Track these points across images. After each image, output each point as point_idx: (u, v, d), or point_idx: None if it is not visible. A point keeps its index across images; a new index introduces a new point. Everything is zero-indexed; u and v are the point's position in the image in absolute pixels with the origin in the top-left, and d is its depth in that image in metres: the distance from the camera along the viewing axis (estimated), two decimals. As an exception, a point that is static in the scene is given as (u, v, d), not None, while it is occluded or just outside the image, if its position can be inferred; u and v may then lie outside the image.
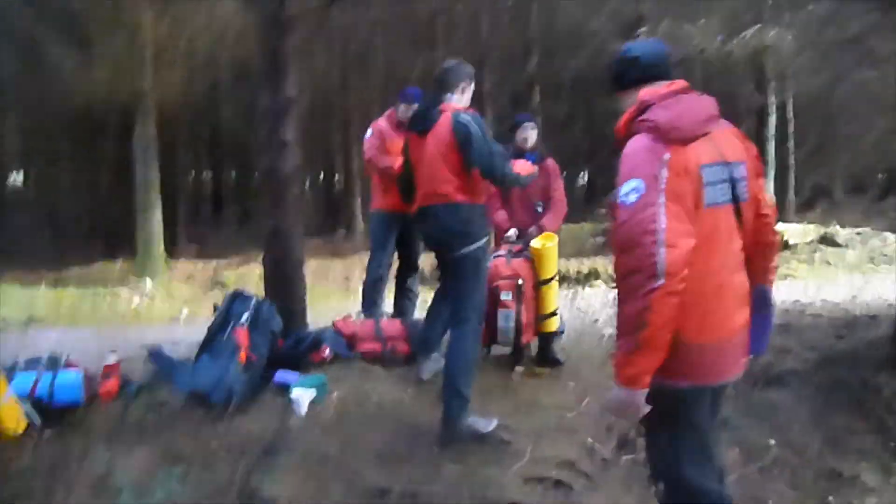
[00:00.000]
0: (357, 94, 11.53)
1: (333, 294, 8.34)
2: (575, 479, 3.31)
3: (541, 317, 4.51)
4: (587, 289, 8.40)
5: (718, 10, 8.75)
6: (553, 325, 4.59)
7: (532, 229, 4.69)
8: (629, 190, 1.98)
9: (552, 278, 4.49)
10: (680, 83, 2.21)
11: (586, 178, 22.91)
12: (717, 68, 9.70)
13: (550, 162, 4.89)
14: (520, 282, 4.34)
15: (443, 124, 3.63)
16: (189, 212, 14.16)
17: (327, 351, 4.42)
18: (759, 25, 8.50)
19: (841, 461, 3.78)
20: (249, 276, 9.15)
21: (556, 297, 4.57)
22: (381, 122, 5.27)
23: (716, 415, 2.34)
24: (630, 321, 1.94)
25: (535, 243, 4.47)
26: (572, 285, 8.88)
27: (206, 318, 7.26)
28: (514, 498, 3.10)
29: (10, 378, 3.78)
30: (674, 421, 2.14)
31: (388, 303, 5.67)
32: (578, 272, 9.28)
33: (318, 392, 3.85)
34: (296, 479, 3.13)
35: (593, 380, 4.50)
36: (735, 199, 2.13)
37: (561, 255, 10.54)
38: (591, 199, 20.02)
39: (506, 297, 4.29)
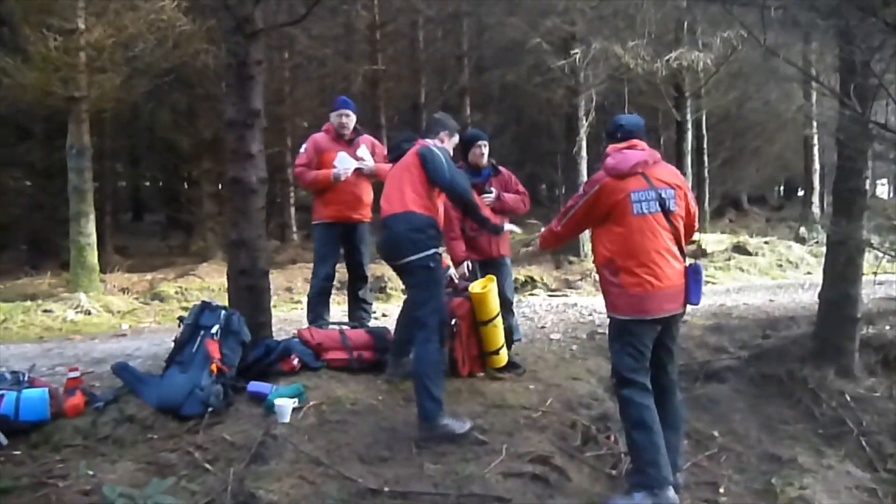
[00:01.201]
0: (294, 104, 11.52)
1: (278, 304, 8.31)
2: (549, 473, 3.54)
3: (486, 353, 4.70)
4: (529, 297, 8.72)
5: (643, 32, 9.30)
6: (501, 360, 4.75)
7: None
8: (577, 194, 3.56)
9: (491, 320, 4.59)
10: (631, 143, 3.52)
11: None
12: (642, 86, 10.36)
13: (505, 172, 5.12)
14: (453, 321, 4.51)
15: (411, 152, 4.07)
16: (111, 221, 13.64)
17: (296, 360, 4.49)
18: (682, 49, 9.11)
19: (778, 446, 4.21)
20: (189, 289, 8.98)
21: (500, 336, 4.69)
22: (319, 136, 5.32)
23: (670, 338, 3.56)
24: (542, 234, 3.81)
25: (475, 287, 4.60)
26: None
27: (150, 331, 7.16)
28: (497, 493, 3.30)
29: (-28, 397, 3.67)
30: (621, 338, 3.47)
31: (333, 313, 5.77)
32: (516, 280, 9.59)
33: (299, 400, 3.93)
34: (289, 482, 3.21)
35: (552, 381, 4.78)
36: (665, 210, 3.41)
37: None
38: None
39: None
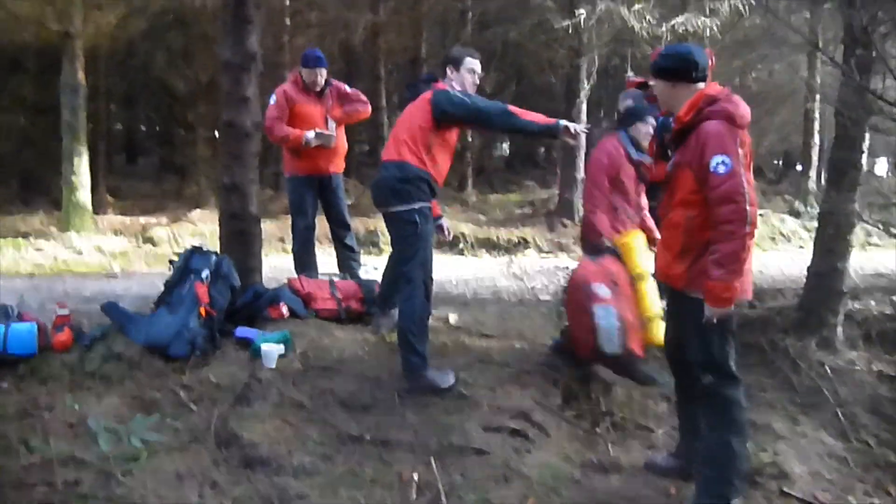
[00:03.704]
0: (293, 52, 11.30)
1: (269, 253, 8.30)
2: (529, 429, 3.59)
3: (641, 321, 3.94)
4: (520, 256, 8.76)
5: (649, -5, 9.15)
6: (656, 330, 3.90)
7: None
8: (718, 162, 2.70)
9: (643, 276, 4.00)
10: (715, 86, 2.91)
11: (507, 149, 23.15)
12: (647, 51, 10.20)
13: None
14: (613, 277, 3.78)
15: (423, 97, 3.85)
16: (105, 162, 13.50)
17: (284, 308, 4.52)
18: (688, 14, 8.96)
19: (754, 412, 4.25)
20: (181, 234, 8.95)
21: (655, 298, 3.99)
22: (287, 87, 5.24)
23: None
24: (729, 257, 2.68)
25: (619, 238, 4.13)
26: (503, 253, 9.24)
27: (141, 274, 7.16)
28: (476, 444, 3.36)
29: (-38, 328, 3.70)
30: (725, 328, 2.87)
31: (324, 264, 5.79)
32: (509, 240, 9.62)
33: (286, 347, 3.96)
34: (272, 425, 3.27)
35: (538, 340, 4.82)
36: None
37: (491, 223, 10.79)
38: (513, 168, 20.42)
39: (600, 290, 3.70)
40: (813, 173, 16.28)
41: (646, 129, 4.33)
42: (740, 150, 2.72)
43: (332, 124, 5.27)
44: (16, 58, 10.61)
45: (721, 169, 2.69)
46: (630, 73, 5.17)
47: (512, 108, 3.73)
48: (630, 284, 3.89)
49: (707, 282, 2.76)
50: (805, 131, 16.11)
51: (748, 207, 2.66)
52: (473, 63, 3.95)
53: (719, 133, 2.73)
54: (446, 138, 3.92)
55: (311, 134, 5.08)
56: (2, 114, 10.62)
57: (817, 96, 14.11)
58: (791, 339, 4.97)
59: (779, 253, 10.49)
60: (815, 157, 16.16)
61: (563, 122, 3.56)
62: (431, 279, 4.00)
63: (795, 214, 14.06)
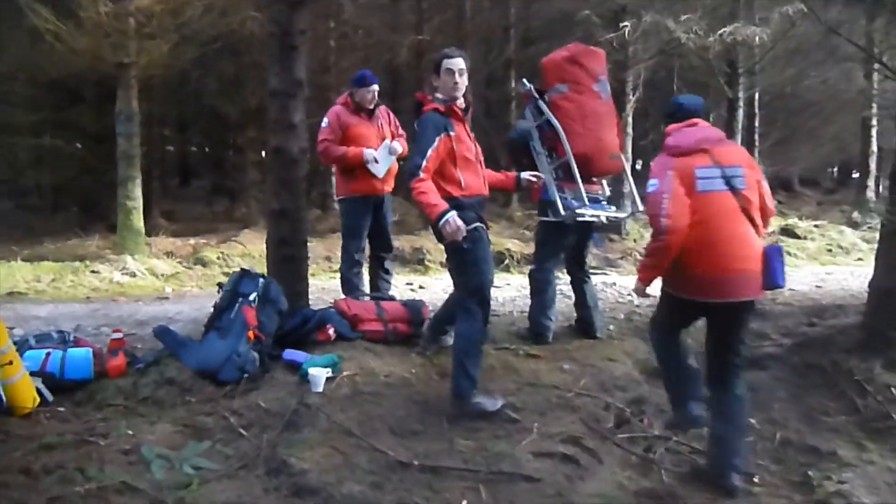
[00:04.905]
0: (339, 74, 11.50)
1: (317, 273, 8.39)
2: (580, 454, 3.50)
3: None
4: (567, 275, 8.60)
5: (697, 6, 8.99)
6: None
7: None
8: (650, 185, 3.45)
9: None
10: (692, 121, 3.56)
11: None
12: (694, 61, 10.04)
13: None
14: None
15: None
16: (159, 186, 13.93)
17: (332, 331, 4.52)
18: (737, 24, 8.77)
19: (818, 438, 4.09)
20: (231, 255, 9.13)
21: None
22: (339, 110, 5.26)
23: (737, 327, 3.52)
24: (648, 253, 3.56)
25: None
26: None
27: (192, 296, 7.32)
28: (527, 472, 3.28)
29: (21, 354, 3.80)
30: (671, 313, 3.70)
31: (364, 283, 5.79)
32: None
33: (333, 370, 3.96)
34: (321, 451, 3.25)
35: (587, 362, 4.72)
36: (732, 188, 3.38)
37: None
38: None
39: None
40: (871, 182, 15.72)
41: None
42: (670, 172, 3.36)
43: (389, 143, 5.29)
44: (74, 89, 11.05)
45: (650, 188, 3.42)
46: (524, 81, 5.00)
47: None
48: None
49: None
50: (863, 139, 15.58)
51: (662, 219, 3.31)
52: (450, 62, 3.68)
53: (655, 162, 3.52)
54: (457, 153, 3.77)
55: (370, 152, 5.11)
56: (62, 143, 11.05)
57: (874, 103, 13.65)
58: (855, 360, 4.74)
59: (837, 267, 10.11)
60: (873, 166, 15.61)
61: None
62: (489, 301, 3.95)
63: (853, 225, 13.57)
